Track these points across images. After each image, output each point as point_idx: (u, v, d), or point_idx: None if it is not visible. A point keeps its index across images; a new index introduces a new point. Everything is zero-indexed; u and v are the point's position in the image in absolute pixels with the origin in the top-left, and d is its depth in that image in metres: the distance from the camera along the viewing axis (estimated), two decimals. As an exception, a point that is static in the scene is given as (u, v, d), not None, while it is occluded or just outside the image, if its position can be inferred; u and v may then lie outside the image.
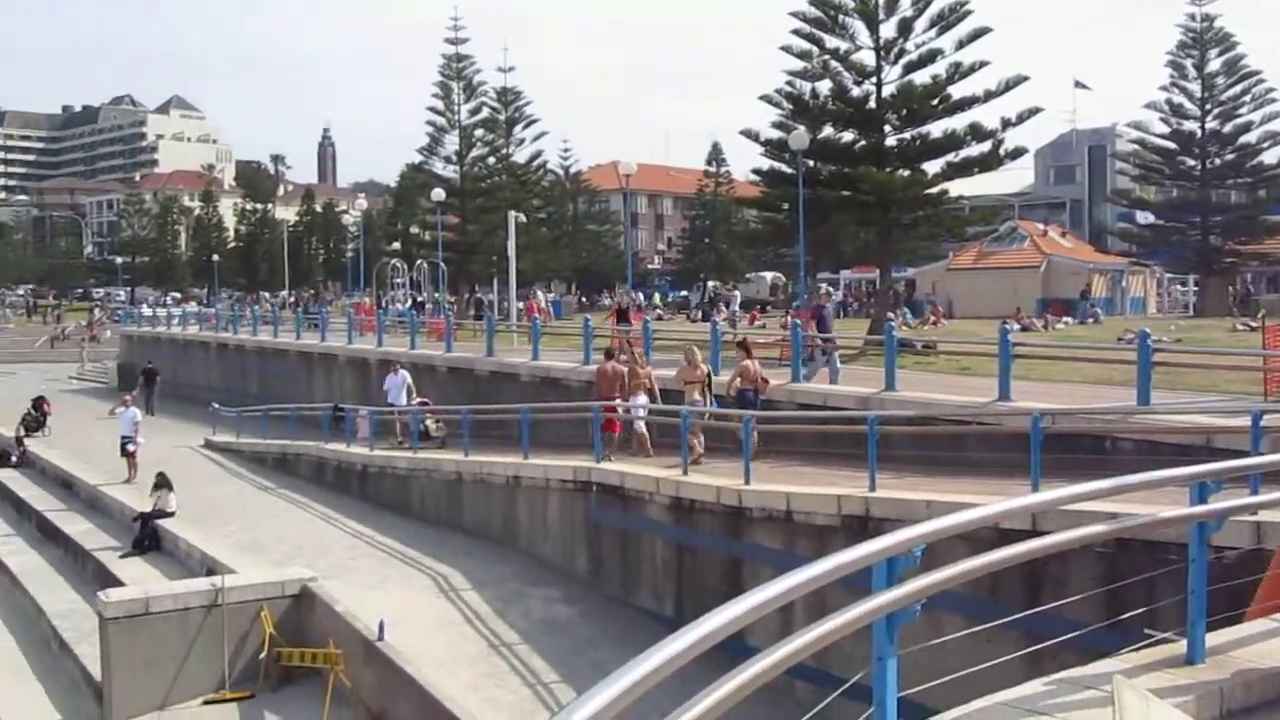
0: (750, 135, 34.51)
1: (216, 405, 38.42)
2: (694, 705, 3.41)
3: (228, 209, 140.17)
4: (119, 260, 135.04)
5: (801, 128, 31.88)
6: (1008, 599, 10.73)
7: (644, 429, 19.97)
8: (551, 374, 26.91)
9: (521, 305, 45.84)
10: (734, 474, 16.45)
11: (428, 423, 26.44)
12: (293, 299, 69.91)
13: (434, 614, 17.44)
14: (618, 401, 20.22)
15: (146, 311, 75.87)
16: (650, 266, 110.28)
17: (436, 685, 13.95)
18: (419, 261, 73.95)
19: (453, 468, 23.62)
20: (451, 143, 72.27)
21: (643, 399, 20.26)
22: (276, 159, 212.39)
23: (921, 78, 31.98)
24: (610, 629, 17.01)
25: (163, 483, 24.10)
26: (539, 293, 60.71)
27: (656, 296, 79.88)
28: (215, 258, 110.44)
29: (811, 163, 32.95)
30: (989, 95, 31.59)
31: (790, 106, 33.58)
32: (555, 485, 20.23)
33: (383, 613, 15.92)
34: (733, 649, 3.68)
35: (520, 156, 78.11)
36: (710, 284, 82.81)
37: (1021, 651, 6.83)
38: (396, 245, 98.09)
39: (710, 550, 16.62)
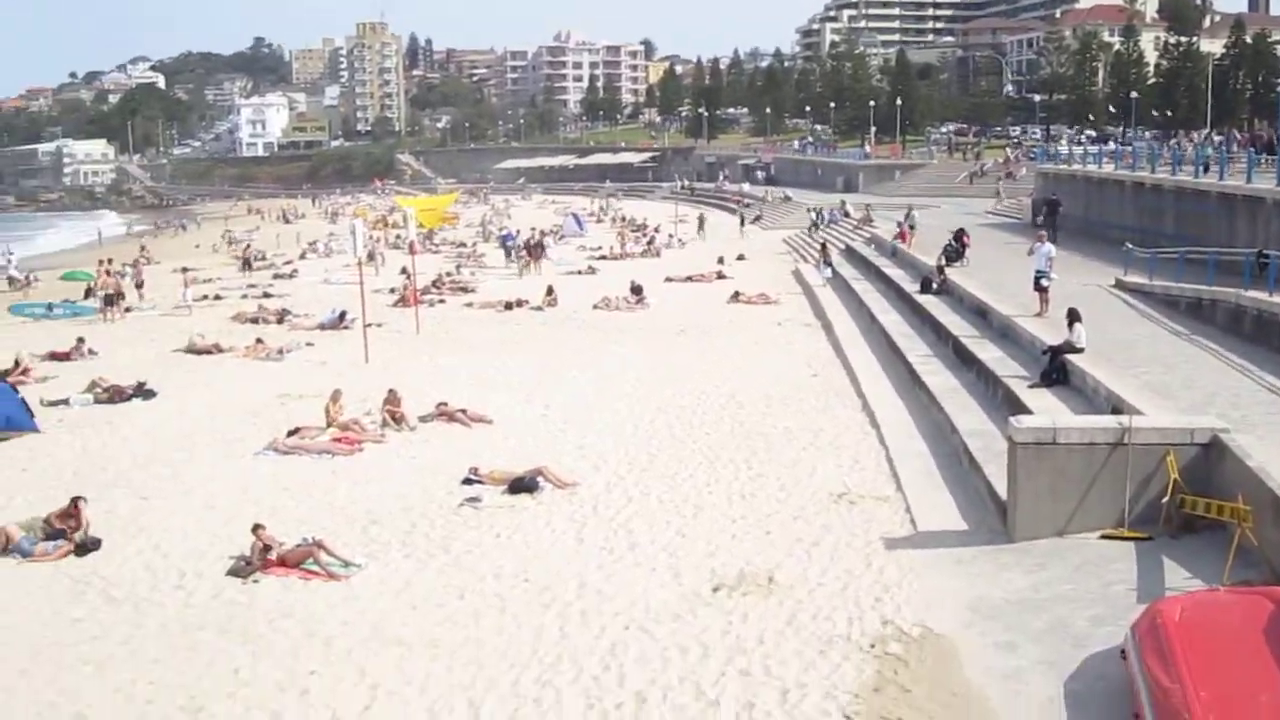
0: None
1: (1129, 245, 37.92)
2: None
3: (1148, 43, 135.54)
4: (1036, 98, 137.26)
5: None
6: None
7: None
8: None
9: None
10: None
11: None
12: (1240, 137, 65.44)
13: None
14: None
15: (1062, 149, 76.27)
16: None
17: (1360, 559, 12.83)
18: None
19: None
20: None
21: None
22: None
23: None
24: None
25: (1074, 318, 24.37)
26: None
27: None
28: (1133, 94, 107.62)
29: None
30: None
31: None
32: None
33: (1301, 474, 14.88)
34: None
35: None
36: None
37: None
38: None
39: None
